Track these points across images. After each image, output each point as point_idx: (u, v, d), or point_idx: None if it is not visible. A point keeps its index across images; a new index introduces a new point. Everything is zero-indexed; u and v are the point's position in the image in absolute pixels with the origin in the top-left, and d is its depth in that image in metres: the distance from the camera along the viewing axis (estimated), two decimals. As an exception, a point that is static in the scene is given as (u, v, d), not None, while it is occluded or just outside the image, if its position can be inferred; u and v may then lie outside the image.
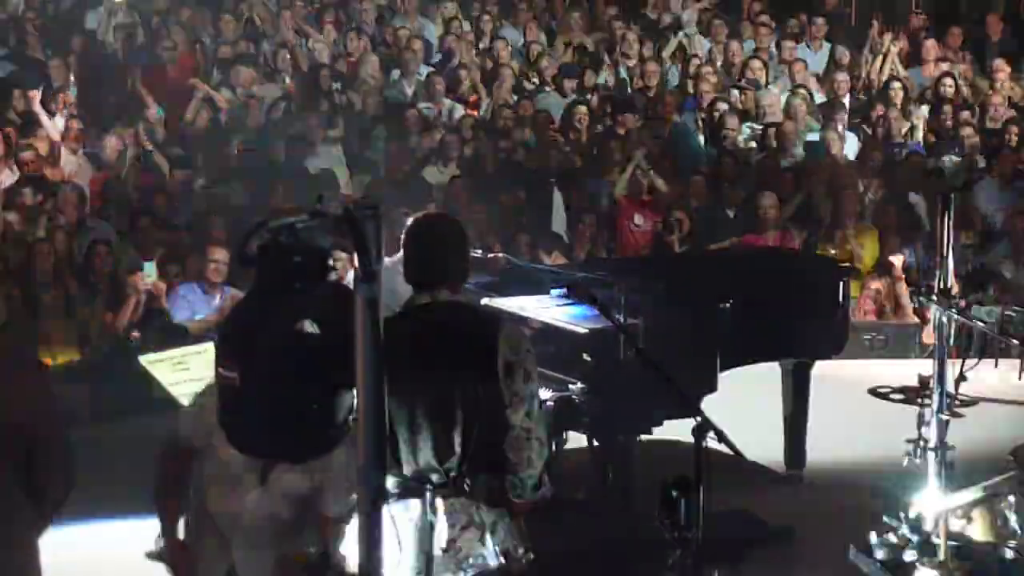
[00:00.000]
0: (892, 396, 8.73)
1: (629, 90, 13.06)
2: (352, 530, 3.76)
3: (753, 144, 12.12)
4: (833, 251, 10.71)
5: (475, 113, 12.37)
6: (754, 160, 11.84)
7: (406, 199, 10.37)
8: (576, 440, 6.75)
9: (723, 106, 12.29)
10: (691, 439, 4.10)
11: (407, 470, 4.18)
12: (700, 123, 12.45)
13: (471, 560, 4.14)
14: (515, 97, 12.63)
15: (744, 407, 6.52)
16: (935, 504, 5.13)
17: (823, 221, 10.98)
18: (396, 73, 12.95)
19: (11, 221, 9.72)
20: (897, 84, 12.73)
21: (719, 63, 13.26)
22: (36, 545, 3.76)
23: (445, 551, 4.13)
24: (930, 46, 13.71)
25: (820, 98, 12.88)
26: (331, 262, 4.04)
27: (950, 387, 5.44)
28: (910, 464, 5.41)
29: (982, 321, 5.62)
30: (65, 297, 9.26)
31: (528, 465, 4.14)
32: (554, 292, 6.37)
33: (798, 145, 12.00)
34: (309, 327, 3.93)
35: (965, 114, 12.36)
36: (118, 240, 9.95)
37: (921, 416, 5.44)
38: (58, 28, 13.12)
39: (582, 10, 14.41)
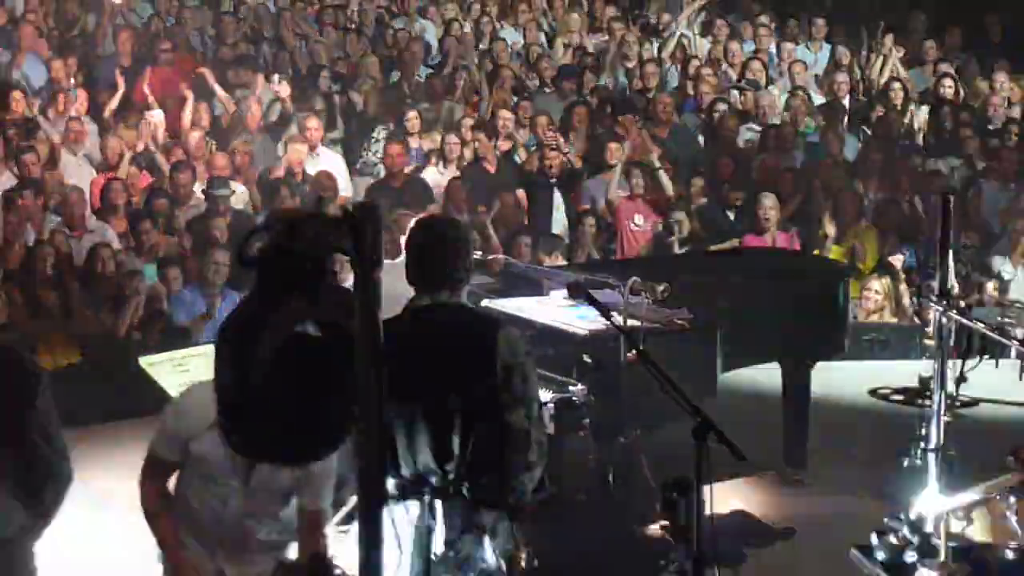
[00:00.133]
0: (893, 397, 8.73)
1: (628, 92, 13.05)
2: (352, 533, 3.76)
3: (753, 145, 12.12)
4: (833, 252, 10.72)
5: (475, 114, 12.36)
6: (754, 161, 11.83)
7: (406, 201, 10.40)
8: (576, 442, 6.74)
9: (723, 107, 12.30)
10: (691, 440, 4.10)
11: (406, 472, 4.18)
12: (700, 124, 12.46)
13: (471, 562, 4.14)
14: (515, 98, 12.63)
15: (745, 408, 6.53)
16: (935, 505, 5.13)
17: (823, 222, 10.98)
18: (396, 75, 12.95)
19: (11, 223, 9.71)
20: (897, 85, 12.73)
21: (722, 65, 13.28)
22: (30, 548, 3.75)
23: (445, 553, 4.13)
24: (930, 47, 13.73)
25: (819, 99, 12.89)
26: (331, 264, 4.03)
27: (951, 388, 5.45)
28: (910, 465, 5.42)
29: (982, 322, 5.62)
30: (65, 299, 9.26)
31: (527, 467, 4.14)
32: (554, 293, 6.39)
33: (798, 146, 12.00)
34: (309, 329, 3.93)
35: (965, 115, 12.36)
36: (118, 242, 9.95)
37: (921, 417, 5.44)
38: (58, 29, 13.11)
39: (581, 11, 14.42)
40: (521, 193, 11.11)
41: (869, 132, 12.46)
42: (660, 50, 13.67)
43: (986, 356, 5.85)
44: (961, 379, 5.52)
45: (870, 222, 11.08)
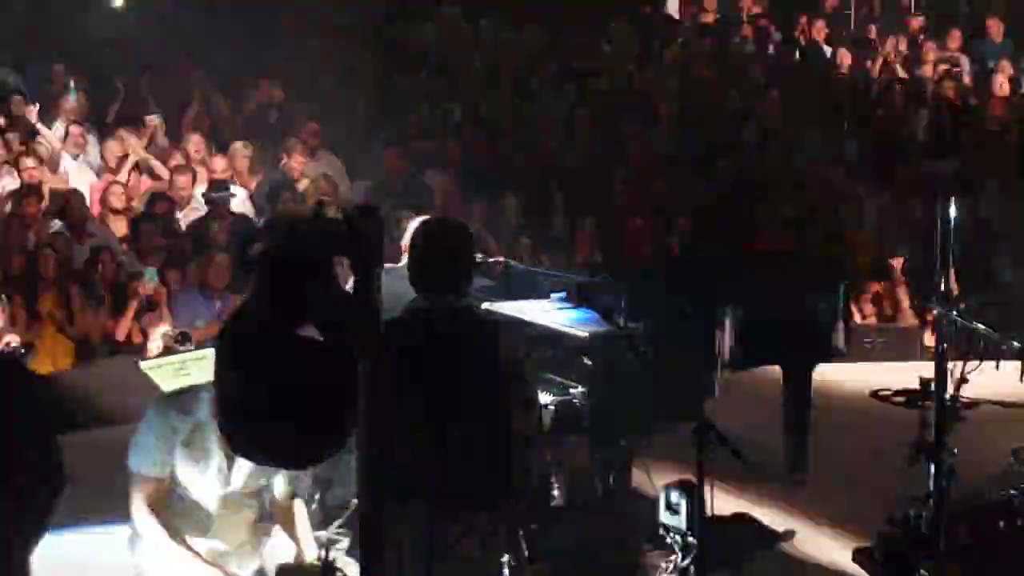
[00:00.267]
0: (894, 399, 8.72)
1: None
2: (353, 535, 3.76)
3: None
4: (832, 253, 10.71)
5: (475, 115, 12.36)
6: (754, 162, 11.84)
7: (406, 203, 10.40)
8: (577, 444, 6.73)
9: (724, 108, 12.31)
10: (692, 442, 4.10)
11: (406, 474, 4.18)
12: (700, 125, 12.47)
13: (471, 565, 4.14)
14: (516, 100, 12.63)
15: (745, 410, 6.53)
16: (935, 506, 5.13)
17: (823, 223, 10.98)
18: (396, 78, 12.96)
19: (12, 227, 9.71)
20: (897, 86, 12.74)
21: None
22: (26, 554, 3.74)
23: (445, 556, 4.13)
24: (930, 47, 13.74)
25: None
26: (331, 267, 4.03)
27: (951, 389, 5.44)
28: (911, 467, 5.41)
29: (982, 323, 5.62)
30: (66, 303, 9.25)
31: (527, 470, 4.14)
32: (554, 296, 6.38)
33: (798, 148, 12.00)
34: (309, 332, 3.93)
35: (965, 116, 12.37)
36: (119, 246, 9.95)
37: (922, 419, 5.43)
38: (59, 32, 13.10)
39: (582, 13, 14.42)
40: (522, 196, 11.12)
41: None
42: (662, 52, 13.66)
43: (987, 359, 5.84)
44: (962, 381, 5.50)
45: (870, 224, 11.09)
